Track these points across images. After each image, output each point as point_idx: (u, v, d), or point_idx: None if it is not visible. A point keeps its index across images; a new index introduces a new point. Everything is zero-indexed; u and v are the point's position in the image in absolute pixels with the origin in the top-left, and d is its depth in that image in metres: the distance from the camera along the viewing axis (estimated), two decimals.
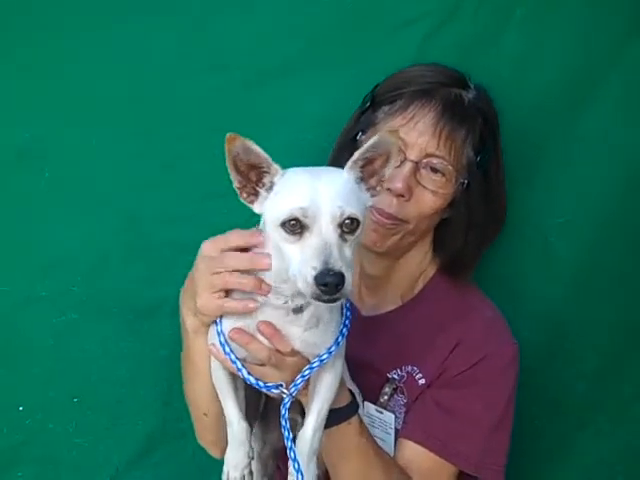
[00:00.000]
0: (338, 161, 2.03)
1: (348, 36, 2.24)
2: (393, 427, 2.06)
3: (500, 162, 2.14)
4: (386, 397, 2.07)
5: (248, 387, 1.82)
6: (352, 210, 1.55)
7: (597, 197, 2.32)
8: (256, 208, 1.65)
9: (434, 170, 2.01)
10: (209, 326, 1.78)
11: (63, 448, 2.26)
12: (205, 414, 1.96)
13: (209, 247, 1.73)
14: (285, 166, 1.62)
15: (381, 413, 2.07)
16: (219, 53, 2.21)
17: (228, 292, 1.71)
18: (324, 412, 1.77)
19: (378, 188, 1.66)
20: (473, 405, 2.01)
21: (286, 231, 1.56)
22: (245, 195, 1.64)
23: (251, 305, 1.68)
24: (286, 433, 1.73)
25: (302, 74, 2.24)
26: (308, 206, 1.54)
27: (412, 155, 1.99)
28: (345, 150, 2.05)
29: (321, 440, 1.77)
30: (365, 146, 1.61)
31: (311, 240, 1.54)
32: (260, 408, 1.99)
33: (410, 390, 2.06)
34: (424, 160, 2.00)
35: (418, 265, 2.16)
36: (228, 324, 1.72)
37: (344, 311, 1.76)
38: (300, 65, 2.24)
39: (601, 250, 2.36)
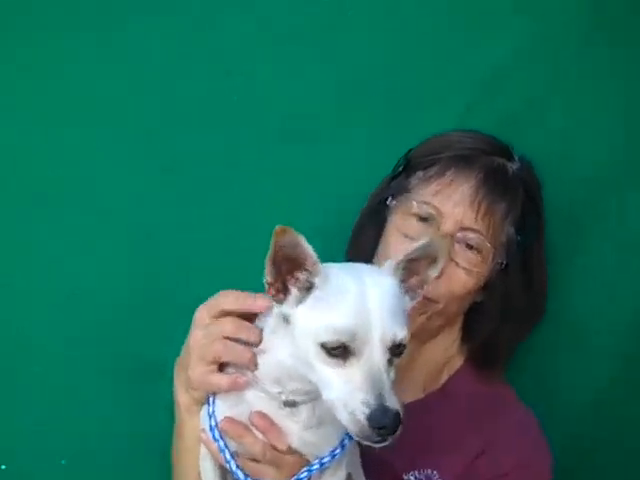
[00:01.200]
0: (362, 229, 1.93)
1: (387, 97, 2.10)
2: None
3: (542, 244, 1.96)
4: None
5: None
6: (404, 333, 1.37)
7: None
8: (286, 308, 1.42)
9: (469, 246, 1.81)
10: (203, 404, 1.59)
11: None
12: None
13: (202, 312, 1.56)
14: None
15: None
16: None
17: (223, 367, 1.53)
18: None
19: (419, 291, 1.48)
20: None
21: (327, 354, 1.36)
22: (274, 292, 1.42)
23: (240, 380, 1.48)
24: None
25: (334, 134, 2.09)
26: (357, 329, 1.34)
27: (446, 227, 1.80)
28: (372, 216, 1.91)
29: None
30: (413, 248, 1.44)
31: (359, 368, 1.34)
32: None
33: None
34: (459, 234, 1.80)
35: (444, 352, 1.94)
36: (222, 408, 1.54)
37: None
38: (332, 124, 2.10)
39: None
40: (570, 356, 2.16)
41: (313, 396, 1.45)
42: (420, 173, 1.85)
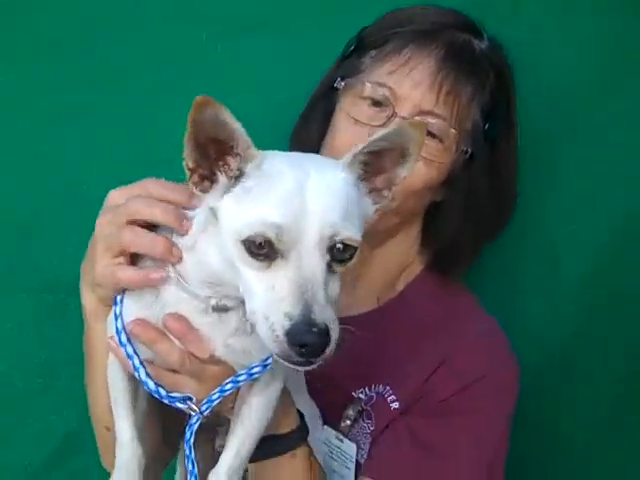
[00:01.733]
0: (311, 116, 1.74)
1: None
2: (354, 460, 1.67)
3: (514, 136, 1.78)
4: (349, 422, 1.67)
5: None
6: (349, 232, 1.14)
7: (613, 206, 2.04)
8: (209, 200, 1.20)
9: (429, 133, 1.60)
10: (111, 307, 1.36)
11: None
12: (107, 427, 1.51)
13: (114, 195, 1.34)
14: (252, 133, 1.18)
15: (341, 442, 1.67)
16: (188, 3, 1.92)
17: (135, 259, 1.32)
18: (247, 447, 1.37)
19: (386, 192, 1.24)
20: (458, 439, 1.63)
21: (249, 252, 1.13)
22: (197, 179, 1.19)
23: (154, 275, 1.26)
24: (190, 465, 1.33)
25: (280, 26, 1.91)
26: (287, 224, 1.11)
27: (403, 111, 1.61)
28: (319, 103, 1.72)
29: None
30: (376, 136, 1.19)
31: (286, 272, 1.11)
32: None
33: (379, 415, 1.67)
34: (417, 119, 1.58)
35: (401, 257, 1.76)
36: (132, 309, 1.32)
37: None
38: (279, 15, 1.91)
39: (611, 264, 2.07)
40: (536, 273, 2.05)
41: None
42: (373, 52, 1.65)
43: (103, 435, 1.55)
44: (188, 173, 1.19)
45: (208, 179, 1.19)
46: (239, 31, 1.88)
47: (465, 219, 1.71)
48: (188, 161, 1.17)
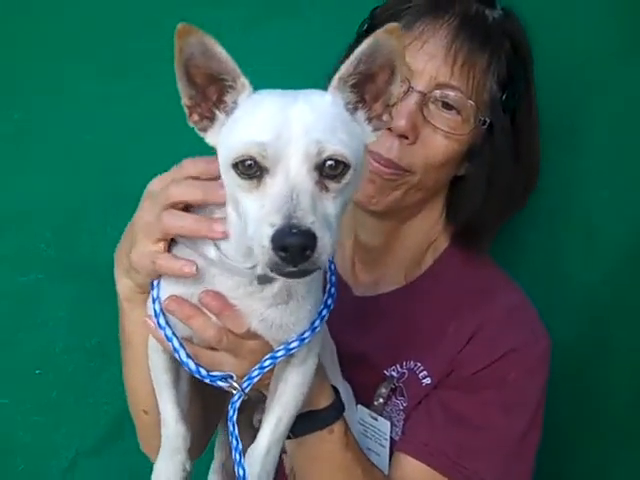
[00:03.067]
0: None
1: None
2: (389, 438, 1.63)
3: (533, 106, 1.70)
4: (382, 400, 1.62)
5: None
6: (336, 147, 1.10)
7: None
8: (209, 138, 1.19)
9: (447, 105, 1.57)
10: (148, 293, 1.34)
11: (18, 427, 1.96)
12: (145, 411, 1.52)
13: (155, 182, 1.30)
14: None
15: (375, 420, 1.63)
16: None
17: (171, 243, 1.29)
18: (285, 422, 1.34)
19: (385, 117, 1.19)
20: (491, 412, 1.57)
21: (239, 174, 1.11)
22: (197, 117, 1.18)
23: (187, 269, 1.23)
24: (234, 442, 1.30)
25: (297, 11, 1.88)
26: (269, 140, 1.09)
27: (419, 85, 1.56)
28: None
29: (276, 460, 1.35)
30: (355, 53, 1.14)
31: (272, 188, 1.09)
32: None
33: (412, 391, 1.62)
34: (434, 92, 1.56)
35: (426, 233, 1.71)
36: (168, 290, 1.29)
37: (327, 286, 1.32)
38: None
39: None
40: (569, 243, 1.97)
41: None
42: None
43: (142, 418, 1.54)
44: (187, 112, 1.18)
45: (209, 119, 1.17)
46: (265, 18, 1.86)
47: (489, 191, 1.64)
48: (183, 97, 1.16)
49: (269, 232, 1.05)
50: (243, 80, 1.15)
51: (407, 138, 1.55)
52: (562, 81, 1.87)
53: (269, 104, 1.13)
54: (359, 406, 1.63)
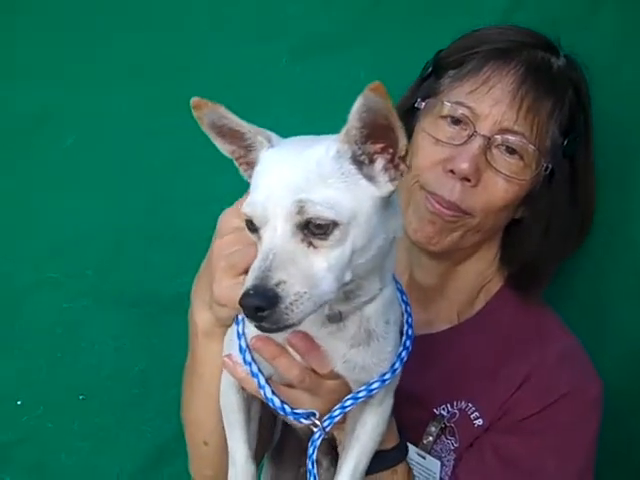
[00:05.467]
0: None
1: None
2: (438, 477, 1.59)
3: (590, 151, 1.69)
4: (431, 438, 1.60)
5: (262, 413, 1.41)
6: (317, 208, 1.07)
7: None
8: None
9: (510, 150, 1.56)
10: (227, 327, 1.34)
11: (61, 451, 1.94)
12: (205, 442, 1.49)
13: (227, 216, 1.28)
14: None
15: (423, 458, 1.59)
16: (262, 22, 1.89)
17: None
18: (363, 465, 1.33)
19: (402, 167, 1.13)
20: (544, 457, 1.55)
21: (249, 230, 1.15)
22: (245, 167, 1.21)
23: None
24: (312, 479, 1.28)
25: (358, 43, 1.86)
26: (260, 201, 1.10)
27: (483, 129, 1.56)
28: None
29: None
30: (352, 110, 1.10)
31: (261, 245, 1.11)
32: (275, 438, 1.53)
33: (463, 432, 1.60)
34: (498, 136, 1.55)
35: (481, 275, 1.70)
36: (252, 328, 1.24)
37: (405, 327, 1.29)
38: (357, 32, 1.86)
39: None
40: (621, 284, 1.92)
41: (356, 302, 1.19)
42: (452, 72, 1.60)
43: (201, 449, 1.50)
44: (236, 164, 1.22)
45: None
46: (317, 52, 1.85)
47: (546, 235, 1.62)
48: (222, 150, 1.20)
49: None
50: (260, 138, 1.17)
51: (469, 181, 1.54)
52: (613, 120, 1.82)
53: (270, 163, 1.15)
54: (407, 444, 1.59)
